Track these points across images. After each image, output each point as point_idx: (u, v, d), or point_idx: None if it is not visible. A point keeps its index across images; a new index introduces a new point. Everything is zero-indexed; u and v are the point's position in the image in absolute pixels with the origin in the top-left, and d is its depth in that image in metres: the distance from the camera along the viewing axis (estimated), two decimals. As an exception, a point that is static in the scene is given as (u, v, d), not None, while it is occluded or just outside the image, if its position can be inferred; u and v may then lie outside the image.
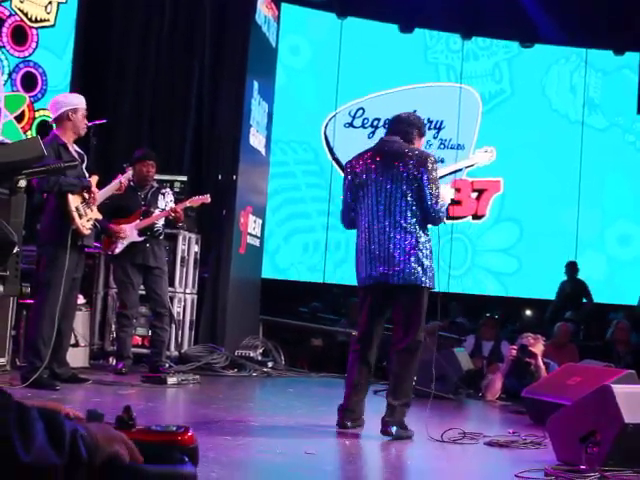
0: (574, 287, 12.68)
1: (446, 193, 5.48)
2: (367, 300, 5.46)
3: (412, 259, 5.24)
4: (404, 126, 5.50)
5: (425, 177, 5.25)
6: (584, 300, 12.78)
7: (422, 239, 5.28)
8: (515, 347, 7.69)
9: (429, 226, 5.39)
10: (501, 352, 9.19)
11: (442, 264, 11.06)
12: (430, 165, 5.29)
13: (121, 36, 9.61)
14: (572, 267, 12.69)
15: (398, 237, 5.26)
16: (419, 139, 5.54)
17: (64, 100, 6.59)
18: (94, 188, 6.52)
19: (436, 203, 5.26)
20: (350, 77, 13.60)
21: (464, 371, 8.07)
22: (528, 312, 14.17)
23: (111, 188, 7.05)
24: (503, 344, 9.42)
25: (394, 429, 5.17)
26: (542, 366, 7.45)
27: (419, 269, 5.23)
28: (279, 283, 12.77)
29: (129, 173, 7.38)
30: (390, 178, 5.31)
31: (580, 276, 12.99)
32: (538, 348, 7.62)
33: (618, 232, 13.91)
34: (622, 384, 4.87)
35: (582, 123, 13.99)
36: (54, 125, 6.55)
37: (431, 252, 5.31)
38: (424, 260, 5.26)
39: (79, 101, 6.56)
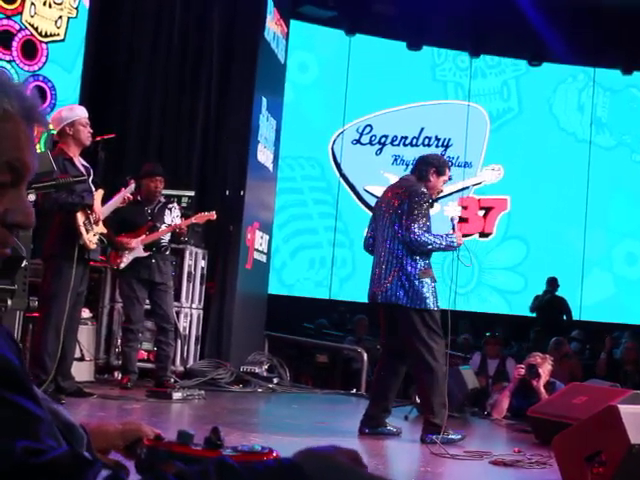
0: (554, 303, 12.60)
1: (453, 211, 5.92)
2: (377, 314, 6.08)
3: (394, 281, 5.75)
4: (420, 165, 6.06)
5: (406, 209, 5.75)
6: (564, 317, 12.72)
7: (407, 264, 5.75)
8: (523, 366, 7.64)
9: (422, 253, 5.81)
10: (506, 370, 9.15)
11: (448, 282, 11.03)
12: (413, 199, 5.76)
13: (130, 51, 9.65)
14: (554, 283, 12.62)
15: (387, 262, 5.82)
16: (436, 177, 5.99)
17: (60, 116, 6.52)
18: (96, 205, 6.50)
19: (406, 231, 5.69)
20: (358, 94, 13.64)
21: (469, 389, 8.03)
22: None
23: (115, 202, 6.99)
24: (508, 362, 9.38)
25: (432, 437, 5.59)
26: (543, 391, 7.40)
27: (401, 291, 5.72)
28: (285, 299, 12.77)
29: (132, 186, 7.27)
30: (390, 211, 5.89)
31: (586, 295, 12.94)
32: (546, 368, 7.56)
33: (625, 251, 13.89)
34: (628, 404, 4.85)
35: (589, 142, 14.01)
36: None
37: (420, 276, 5.74)
38: (406, 283, 5.73)
39: (74, 113, 6.50)
